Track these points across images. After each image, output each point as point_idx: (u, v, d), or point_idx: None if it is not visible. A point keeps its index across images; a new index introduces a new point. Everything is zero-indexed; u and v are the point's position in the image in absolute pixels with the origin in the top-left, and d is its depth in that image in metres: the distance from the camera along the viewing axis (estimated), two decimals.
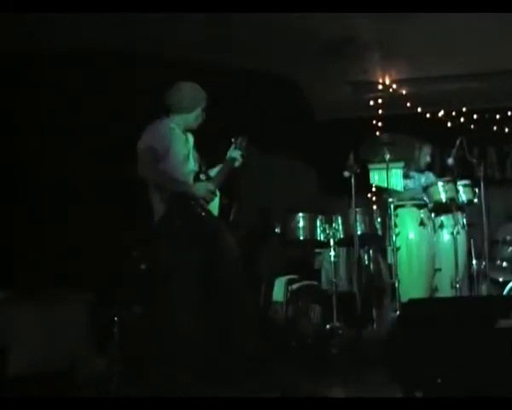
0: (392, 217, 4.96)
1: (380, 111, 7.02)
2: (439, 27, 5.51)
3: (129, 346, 4.01)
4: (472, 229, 5.29)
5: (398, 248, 4.94)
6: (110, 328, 4.01)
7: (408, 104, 6.90)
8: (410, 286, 4.98)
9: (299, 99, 6.87)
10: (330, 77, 6.54)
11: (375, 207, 6.35)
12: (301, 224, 5.10)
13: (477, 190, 5.15)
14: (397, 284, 4.82)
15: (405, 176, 5.54)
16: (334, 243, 5.03)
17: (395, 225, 4.96)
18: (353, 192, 4.84)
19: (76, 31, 5.15)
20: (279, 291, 5.29)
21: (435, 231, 5.27)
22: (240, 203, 4.28)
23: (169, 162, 3.87)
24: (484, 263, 5.16)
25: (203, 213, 3.85)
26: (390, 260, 5.08)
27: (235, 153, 4.07)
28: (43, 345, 4.09)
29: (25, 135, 5.49)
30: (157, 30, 5.30)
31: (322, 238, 5.09)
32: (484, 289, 5.18)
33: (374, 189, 6.57)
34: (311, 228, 5.10)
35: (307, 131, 7.00)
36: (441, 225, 5.27)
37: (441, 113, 7.13)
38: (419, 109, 7.03)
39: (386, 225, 5.10)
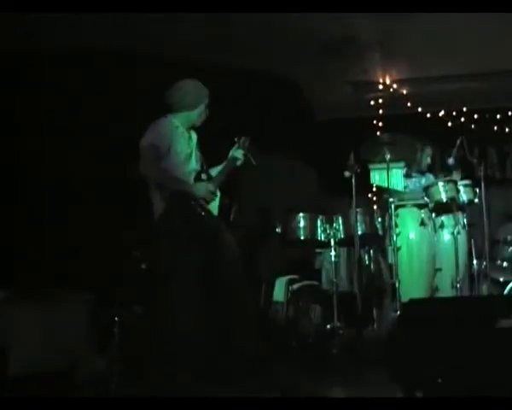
0: (393, 217, 4.96)
1: (380, 111, 7.01)
2: (439, 27, 5.51)
3: (129, 346, 4.01)
4: (472, 229, 5.29)
5: (398, 248, 4.95)
6: (110, 328, 4.01)
7: (408, 104, 6.89)
8: (411, 286, 4.99)
9: (299, 99, 6.86)
10: (330, 77, 6.54)
11: (375, 207, 6.33)
12: (302, 224, 5.11)
13: (477, 190, 5.15)
14: (397, 284, 4.83)
15: (406, 176, 5.54)
16: (335, 242, 5.03)
17: (396, 225, 4.97)
18: (354, 192, 4.85)
19: (76, 31, 5.16)
20: (279, 291, 5.29)
21: (436, 231, 5.27)
22: (240, 203, 4.27)
23: (171, 161, 3.86)
24: (484, 263, 5.16)
25: (203, 213, 3.85)
26: (390, 260, 5.09)
27: (237, 152, 4.05)
28: (43, 345, 4.09)
29: (25, 135, 5.49)
30: (157, 30, 5.30)
31: (322, 238, 5.09)
32: (484, 289, 5.18)
33: (374, 189, 6.58)
34: (312, 228, 5.10)
35: (307, 131, 6.99)
36: (442, 225, 5.26)
37: (441, 113, 7.12)
38: (419, 109, 7.01)
39: (386, 225, 5.10)
